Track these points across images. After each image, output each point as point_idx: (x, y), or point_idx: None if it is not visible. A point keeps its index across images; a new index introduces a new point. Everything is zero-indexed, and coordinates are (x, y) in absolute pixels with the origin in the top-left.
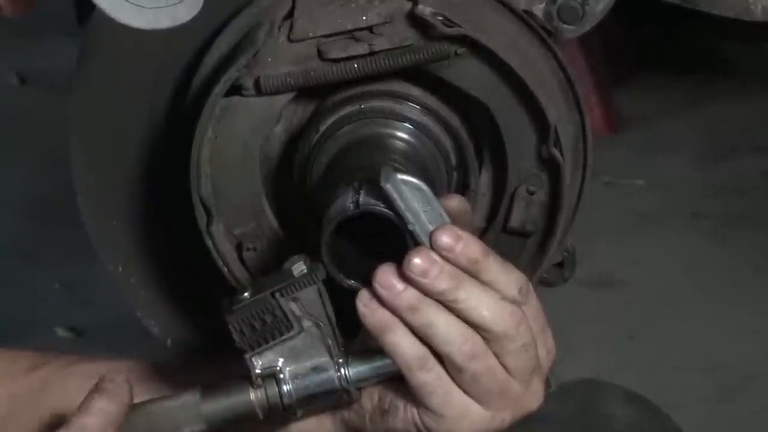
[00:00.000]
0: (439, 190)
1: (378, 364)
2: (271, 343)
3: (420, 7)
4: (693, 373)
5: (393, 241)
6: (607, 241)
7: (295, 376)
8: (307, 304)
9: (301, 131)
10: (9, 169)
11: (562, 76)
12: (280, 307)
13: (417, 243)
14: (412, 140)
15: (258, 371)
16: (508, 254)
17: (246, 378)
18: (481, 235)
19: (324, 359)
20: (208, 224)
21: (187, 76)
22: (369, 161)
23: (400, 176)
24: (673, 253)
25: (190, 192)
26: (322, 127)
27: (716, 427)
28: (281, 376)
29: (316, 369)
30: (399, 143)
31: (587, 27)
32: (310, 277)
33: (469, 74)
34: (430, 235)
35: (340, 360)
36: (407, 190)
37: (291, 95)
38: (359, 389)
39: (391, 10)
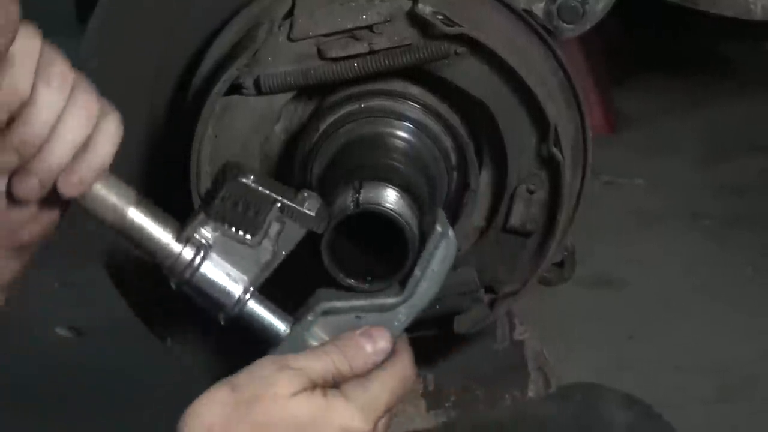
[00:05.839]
0: (439, 189)
1: (271, 321)
2: (230, 228)
3: (420, 6)
4: (693, 374)
5: (393, 240)
6: (607, 241)
7: (210, 266)
8: (284, 234)
9: (301, 130)
10: None
11: (562, 76)
12: (266, 214)
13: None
14: (412, 139)
15: (195, 233)
16: (508, 254)
17: (183, 232)
18: (481, 234)
19: (243, 277)
20: None
21: (187, 75)
22: (369, 160)
23: None
24: (673, 253)
25: (190, 191)
26: (322, 126)
27: (716, 427)
28: (202, 253)
29: (229, 275)
30: (399, 142)
31: (587, 26)
32: (311, 220)
33: (469, 73)
34: None
35: (251, 289)
36: None
37: (291, 94)
38: (239, 320)
39: (391, 9)
